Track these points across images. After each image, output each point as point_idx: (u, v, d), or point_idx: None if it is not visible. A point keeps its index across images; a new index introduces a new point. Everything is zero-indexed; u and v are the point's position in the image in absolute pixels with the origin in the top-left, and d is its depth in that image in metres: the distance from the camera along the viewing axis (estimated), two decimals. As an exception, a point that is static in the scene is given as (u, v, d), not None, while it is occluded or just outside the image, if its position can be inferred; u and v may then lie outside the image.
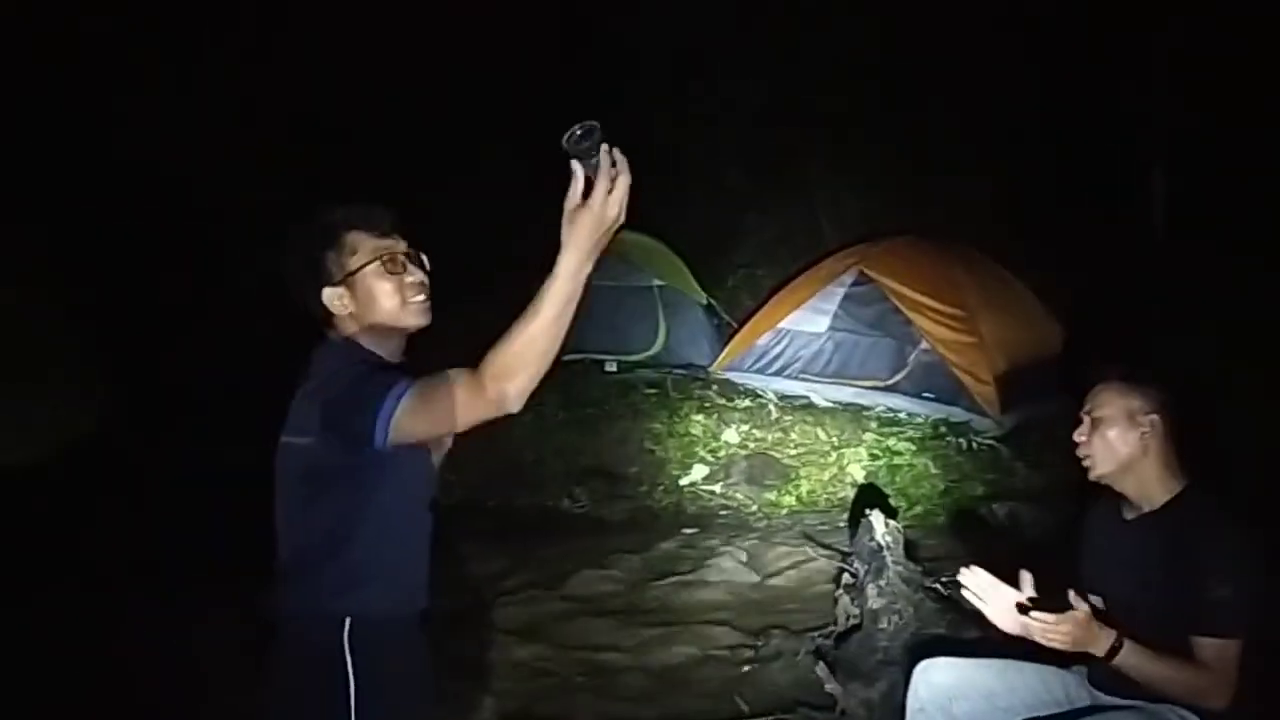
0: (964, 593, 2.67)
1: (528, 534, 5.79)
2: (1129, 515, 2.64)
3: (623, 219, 1.81)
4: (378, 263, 2.04)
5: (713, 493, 6.47)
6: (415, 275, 2.08)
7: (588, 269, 1.81)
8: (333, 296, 2.05)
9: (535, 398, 1.97)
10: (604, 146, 1.78)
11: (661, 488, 6.56)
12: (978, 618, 2.80)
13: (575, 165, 1.79)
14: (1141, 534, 2.59)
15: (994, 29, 10.23)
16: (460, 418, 1.87)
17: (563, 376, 8.59)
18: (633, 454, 7.02)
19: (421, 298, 2.08)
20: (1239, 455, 5.85)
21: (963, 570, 2.67)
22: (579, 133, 1.79)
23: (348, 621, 2.02)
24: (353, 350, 2.05)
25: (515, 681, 4.04)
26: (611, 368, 8.67)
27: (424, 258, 2.12)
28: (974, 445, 6.85)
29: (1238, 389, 6.93)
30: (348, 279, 2.04)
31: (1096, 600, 2.64)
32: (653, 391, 8.15)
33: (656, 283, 8.91)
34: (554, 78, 10.16)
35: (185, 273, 8.54)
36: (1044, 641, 2.51)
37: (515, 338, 1.82)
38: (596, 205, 1.77)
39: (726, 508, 6.29)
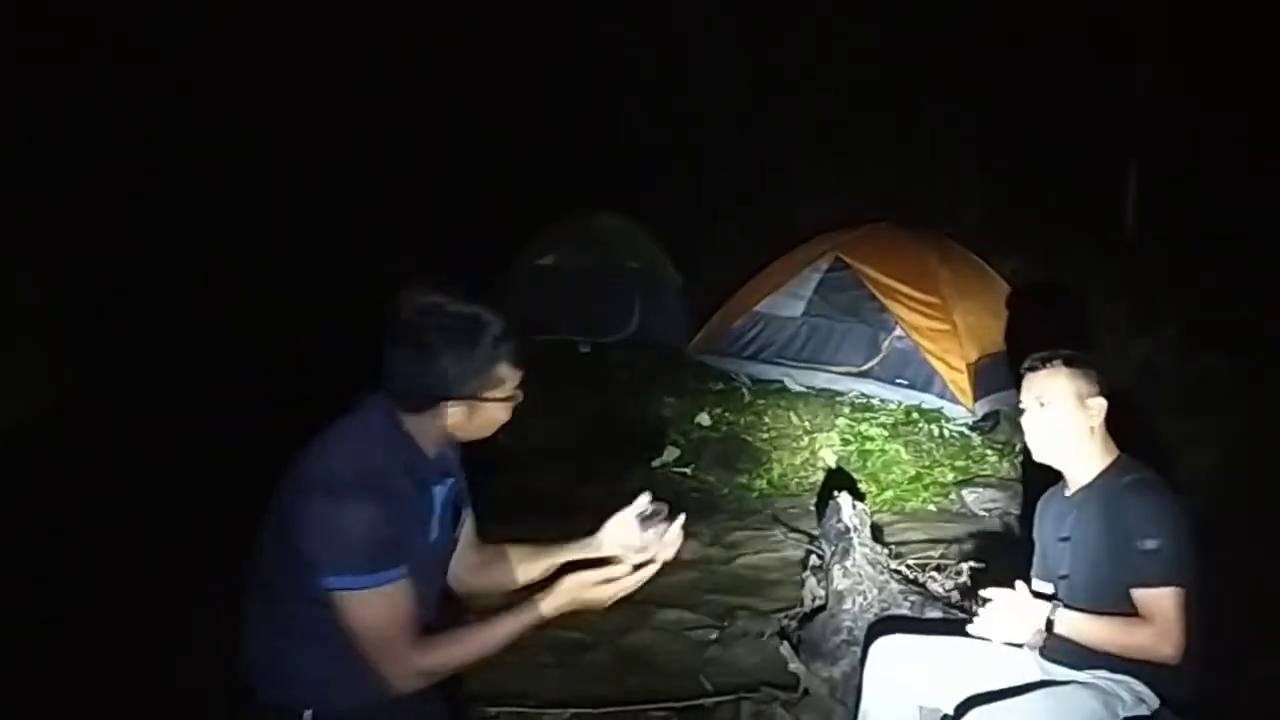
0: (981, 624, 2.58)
1: (497, 514, 5.76)
2: (1069, 491, 2.74)
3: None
4: (509, 401, 2.02)
5: (684, 474, 6.46)
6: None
7: None
8: (452, 409, 1.96)
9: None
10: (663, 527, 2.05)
11: (633, 469, 6.55)
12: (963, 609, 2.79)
13: (623, 531, 2.10)
14: (1078, 507, 2.68)
15: (973, 25, 10.26)
16: (369, 655, 1.88)
17: (536, 356, 8.57)
18: (604, 435, 7.00)
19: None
20: (1211, 448, 5.94)
21: (984, 594, 2.62)
22: (650, 510, 2.08)
23: (308, 714, 1.97)
24: (405, 443, 1.97)
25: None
26: (585, 348, 8.65)
27: None
28: (945, 432, 6.89)
29: (1203, 382, 7.02)
30: (474, 400, 1.97)
31: (1046, 586, 2.70)
32: (625, 373, 8.13)
33: (632, 265, 8.89)
34: (539, 71, 10.15)
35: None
36: (990, 634, 2.56)
37: (460, 656, 1.95)
38: (607, 592, 2.00)
39: (698, 490, 6.28)
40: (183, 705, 3.57)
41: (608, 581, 2.02)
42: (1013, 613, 2.52)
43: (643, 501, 2.13)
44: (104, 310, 7.67)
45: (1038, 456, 2.75)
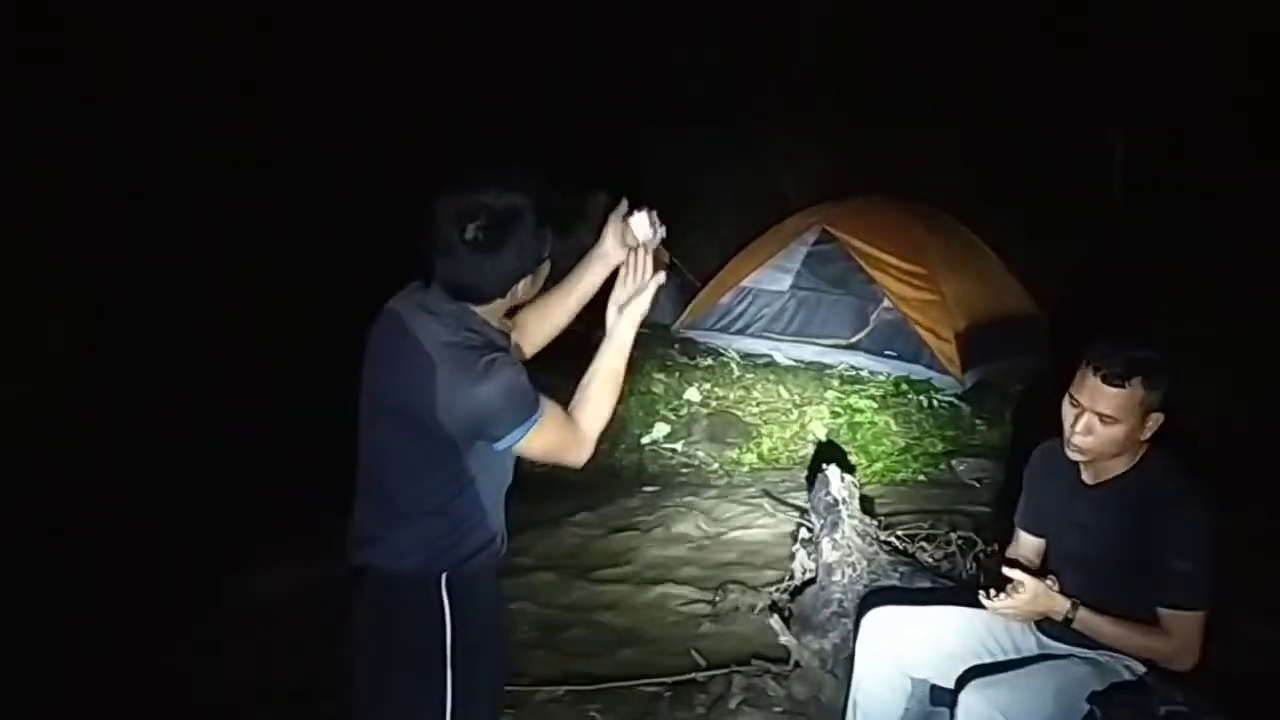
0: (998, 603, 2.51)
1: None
2: (1089, 479, 2.61)
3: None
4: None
5: (674, 450, 6.47)
6: None
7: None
8: (520, 286, 2.07)
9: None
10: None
11: (623, 446, 6.54)
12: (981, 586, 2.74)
13: (622, 234, 2.29)
14: (1103, 499, 2.57)
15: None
16: (559, 459, 2.12)
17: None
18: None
19: None
20: (1196, 416, 5.96)
21: (1011, 574, 2.52)
22: (629, 209, 2.30)
23: (444, 576, 2.05)
24: (485, 328, 2.05)
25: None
26: (577, 326, 8.61)
27: None
28: (934, 403, 6.90)
29: (1192, 349, 7.04)
30: (536, 273, 2.08)
31: (1033, 541, 2.66)
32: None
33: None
34: (512, 43, 10.06)
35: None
36: (1009, 617, 2.52)
37: (603, 403, 2.16)
38: (648, 293, 2.24)
39: (688, 465, 6.29)
40: (179, 698, 3.58)
41: (637, 285, 2.27)
42: (1036, 606, 2.46)
43: (623, 204, 2.32)
44: (100, 300, 7.62)
45: (1074, 455, 2.55)
